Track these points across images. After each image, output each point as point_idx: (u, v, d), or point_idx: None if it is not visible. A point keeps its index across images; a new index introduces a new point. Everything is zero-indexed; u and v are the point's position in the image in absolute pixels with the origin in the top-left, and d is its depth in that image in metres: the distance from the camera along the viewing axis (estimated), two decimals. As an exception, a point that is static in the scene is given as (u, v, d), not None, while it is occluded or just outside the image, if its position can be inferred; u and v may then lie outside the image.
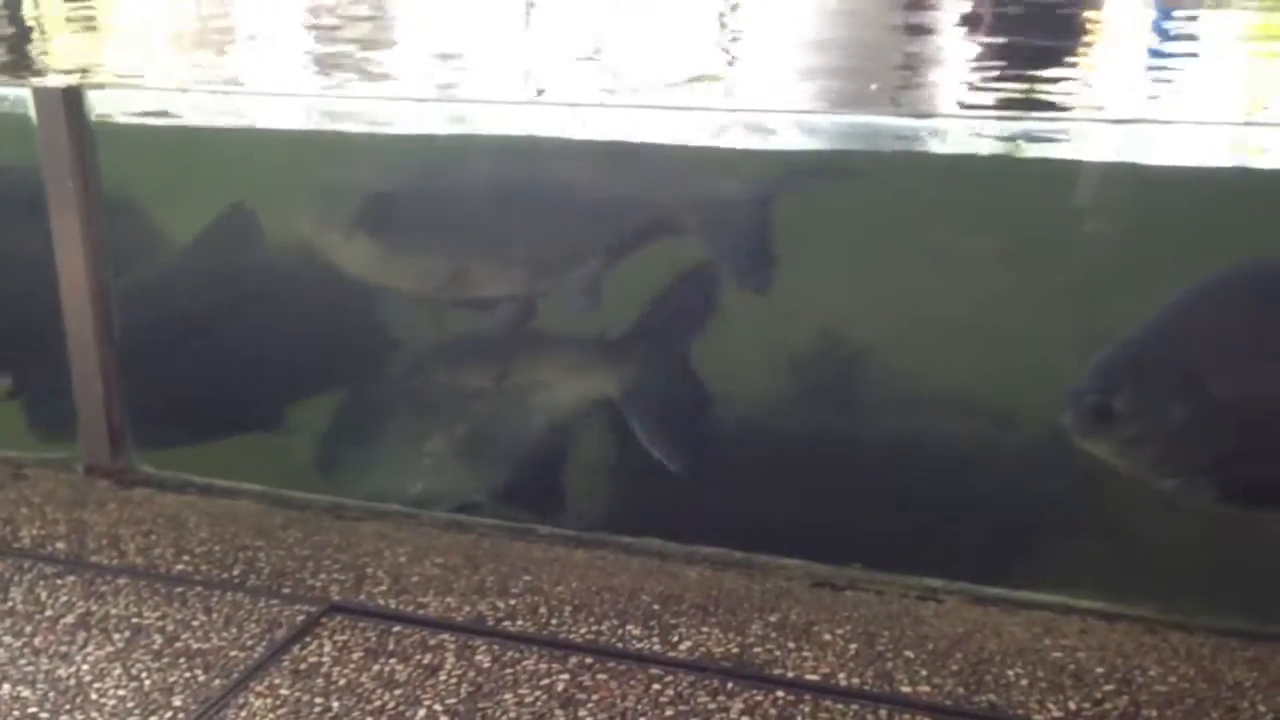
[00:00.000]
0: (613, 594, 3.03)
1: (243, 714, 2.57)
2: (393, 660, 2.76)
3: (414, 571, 3.16)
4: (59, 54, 4.41)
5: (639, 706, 2.58)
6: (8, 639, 2.85)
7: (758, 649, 2.79)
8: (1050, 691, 2.63)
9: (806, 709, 2.57)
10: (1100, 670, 2.70)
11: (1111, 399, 3.05)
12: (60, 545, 3.31)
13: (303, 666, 2.74)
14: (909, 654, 2.77)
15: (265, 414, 4.30)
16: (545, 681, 2.67)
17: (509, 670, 2.72)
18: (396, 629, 2.89)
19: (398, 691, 2.64)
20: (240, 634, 2.87)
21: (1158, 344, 3.14)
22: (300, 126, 4.40)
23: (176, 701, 2.61)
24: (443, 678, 2.69)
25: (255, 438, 4.38)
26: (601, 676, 2.69)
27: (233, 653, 2.79)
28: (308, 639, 2.85)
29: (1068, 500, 3.79)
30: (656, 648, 2.80)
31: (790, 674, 2.69)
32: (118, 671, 2.73)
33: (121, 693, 2.65)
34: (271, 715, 2.56)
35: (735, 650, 2.78)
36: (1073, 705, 2.58)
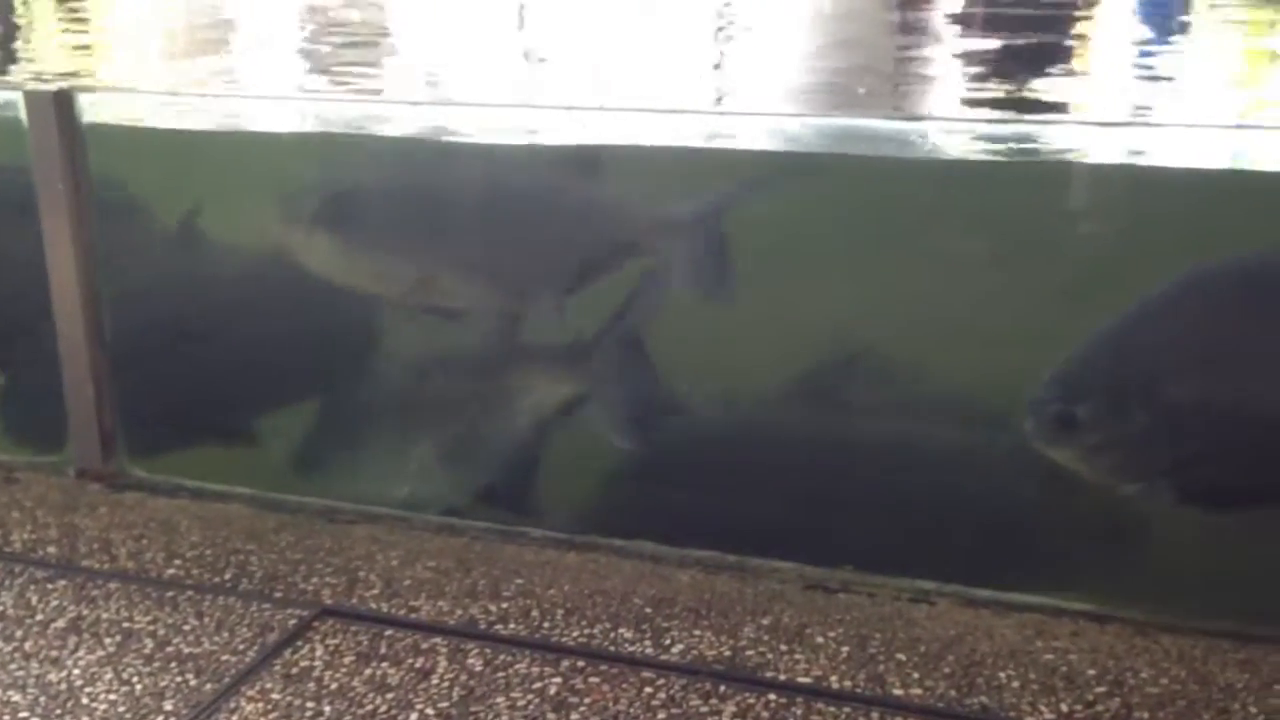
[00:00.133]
0: (605, 597, 3.03)
1: (234, 718, 2.56)
2: (385, 664, 2.76)
3: (406, 575, 3.16)
4: (50, 57, 4.40)
5: (631, 710, 2.57)
6: (-2, 644, 2.85)
7: (750, 652, 2.79)
8: (1042, 693, 2.63)
9: (799, 712, 2.57)
10: (1092, 672, 2.71)
11: (1074, 407, 3.06)
12: (51, 549, 3.31)
13: (294, 670, 2.73)
14: (901, 656, 2.77)
15: (249, 421, 4.30)
16: (537, 685, 2.67)
17: (501, 674, 2.71)
18: (388, 632, 2.89)
19: (390, 695, 2.63)
20: (232, 638, 2.87)
21: (1117, 350, 3.16)
22: (269, 129, 4.41)
23: (168, 706, 2.61)
24: (435, 681, 2.69)
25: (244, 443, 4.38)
26: (594, 680, 2.68)
27: (224, 657, 2.79)
28: (299, 643, 2.84)
29: (1063, 501, 3.80)
30: (649, 651, 2.80)
31: (782, 677, 2.70)
32: (109, 676, 2.72)
33: (113, 697, 2.65)
34: None
35: (728, 653, 2.78)
36: (1064, 707, 2.58)
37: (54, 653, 2.81)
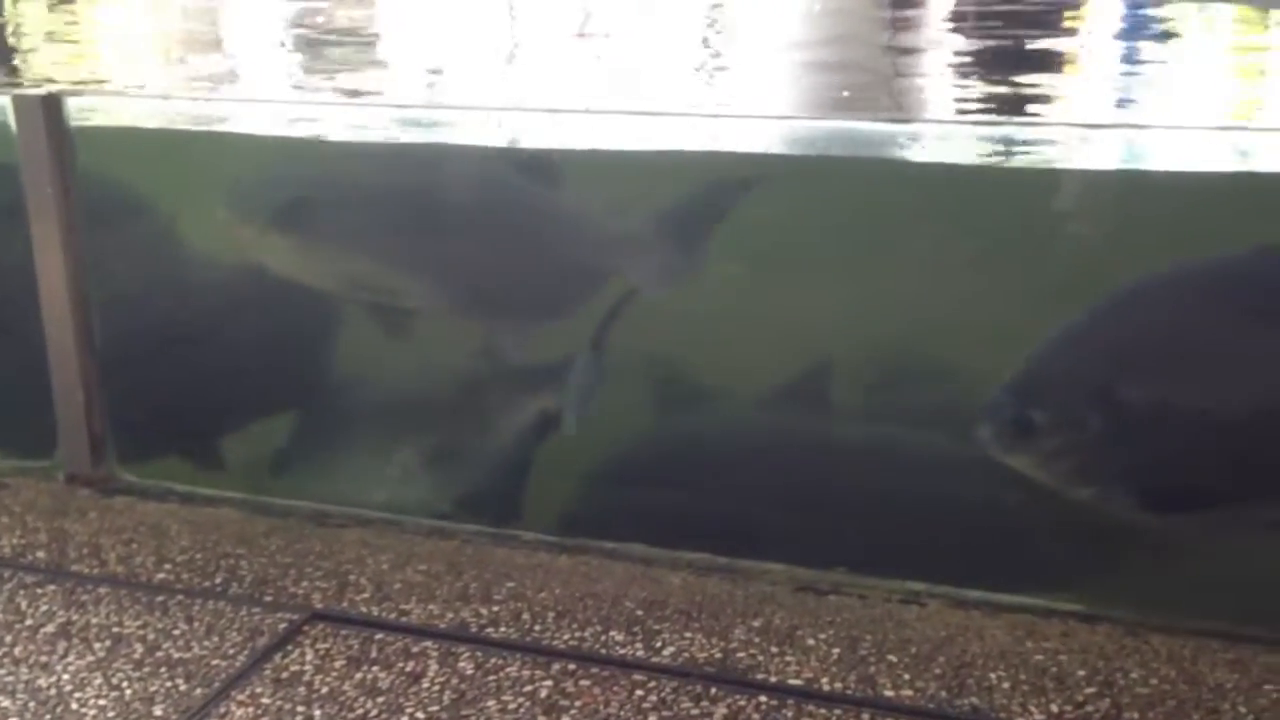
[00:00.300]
0: (596, 600, 3.03)
1: (224, 723, 2.56)
2: (375, 668, 2.75)
3: (396, 578, 3.15)
4: (38, 61, 4.40)
5: (622, 712, 2.57)
6: (-13, 649, 2.84)
7: (741, 654, 2.79)
8: (1032, 694, 2.63)
9: (790, 714, 2.57)
10: (1082, 673, 2.71)
11: (1030, 413, 3.07)
12: (41, 554, 3.30)
13: (284, 675, 2.73)
14: (892, 658, 2.77)
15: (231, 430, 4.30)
16: (528, 688, 2.67)
17: (492, 677, 2.71)
18: (379, 636, 2.88)
19: (380, 699, 2.63)
20: (222, 642, 2.86)
21: (1071, 355, 3.17)
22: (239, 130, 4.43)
23: (158, 711, 2.60)
24: (425, 685, 2.68)
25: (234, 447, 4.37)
26: (584, 683, 2.68)
27: (214, 661, 2.78)
28: (290, 647, 2.84)
29: (1053, 501, 3.80)
30: (640, 653, 2.80)
31: (773, 679, 2.70)
32: (98, 681, 2.72)
33: (102, 702, 2.64)
34: (253, 724, 2.56)
35: (718, 655, 2.78)
36: (1055, 708, 2.59)
37: (43, 658, 2.81)
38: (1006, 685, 2.67)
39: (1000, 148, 3.71)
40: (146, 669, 2.76)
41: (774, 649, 2.81)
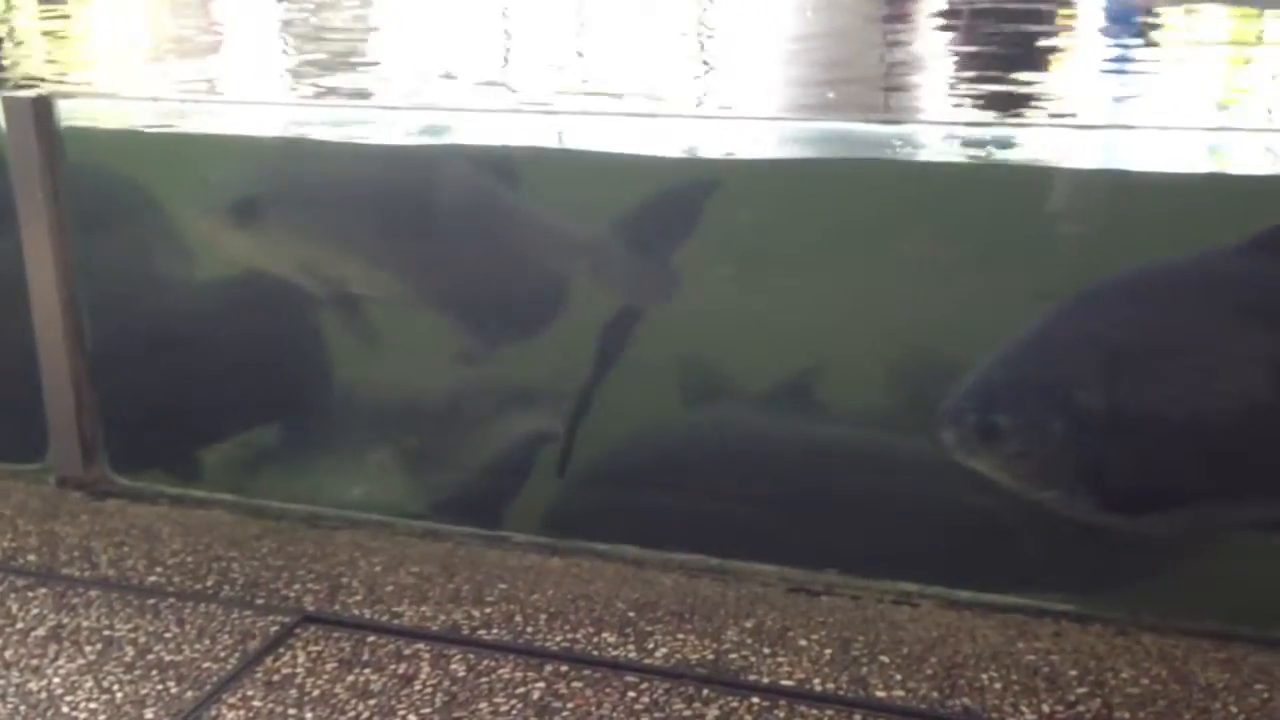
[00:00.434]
0: (588, 601, 3.03)
1: (216, 726, 2.56)
2: (367, 670, 2.75)
3: (389, 580, 3.15)
4: (28, 63, 4.40)
5: (614, 714, 2.57)
6: (-22, 653, 2.84)
7: (733, 655, 2.79)
8: (1024, 694, 2.64)
9: (781, 715, 2.57)
10: (1073, 673, 2.71)
11: (994, 416, 3.09)
12: (31, 557, 3.29)
13: (276, 677, 2.72)
14: (884, 658, 2.77)
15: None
16: (520, 690, 2.66)
17: (484, 679, 2.71)
18: (371, 639, 2.88)
19: (372, 702, 2.63)
20: (213, 645, 2.86)
21: (1033, 358, 3.19)
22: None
23: (149, 714, 2.60)
24: (417, 687, 2.68)
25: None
26: (577, 684, 2.68)
27: (205, 664, 2.78)
28: (281, 650, 2.84)
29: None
30: (632, 655, 2.80)
31: (765, 680, 2.70)
32: (89, 684, 2.71)
33: (93, 705, 2.63)
34: (245, 727, 2.55)
35: (711, 657, 2.78)
36: (1046, 708, 2.59)
37: (34, 661, 2.80)
38: (998, 685, 2.67)
39: (981, 152, 3.72)
40: (138, 672, 2.75)
41: (766, 650, 2.81)
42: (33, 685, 2.70)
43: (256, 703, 2.63)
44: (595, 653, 2.81)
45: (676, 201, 3.98)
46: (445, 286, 4.12)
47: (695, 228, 3.99)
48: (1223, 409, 2.99)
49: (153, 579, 3.17)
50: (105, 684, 2.71)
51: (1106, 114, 3.53)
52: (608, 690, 2.66)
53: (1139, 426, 3.04)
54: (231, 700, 2.64)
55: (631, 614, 2.97)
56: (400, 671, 2.74)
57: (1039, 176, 3.87)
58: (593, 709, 2.59)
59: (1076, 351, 3.13)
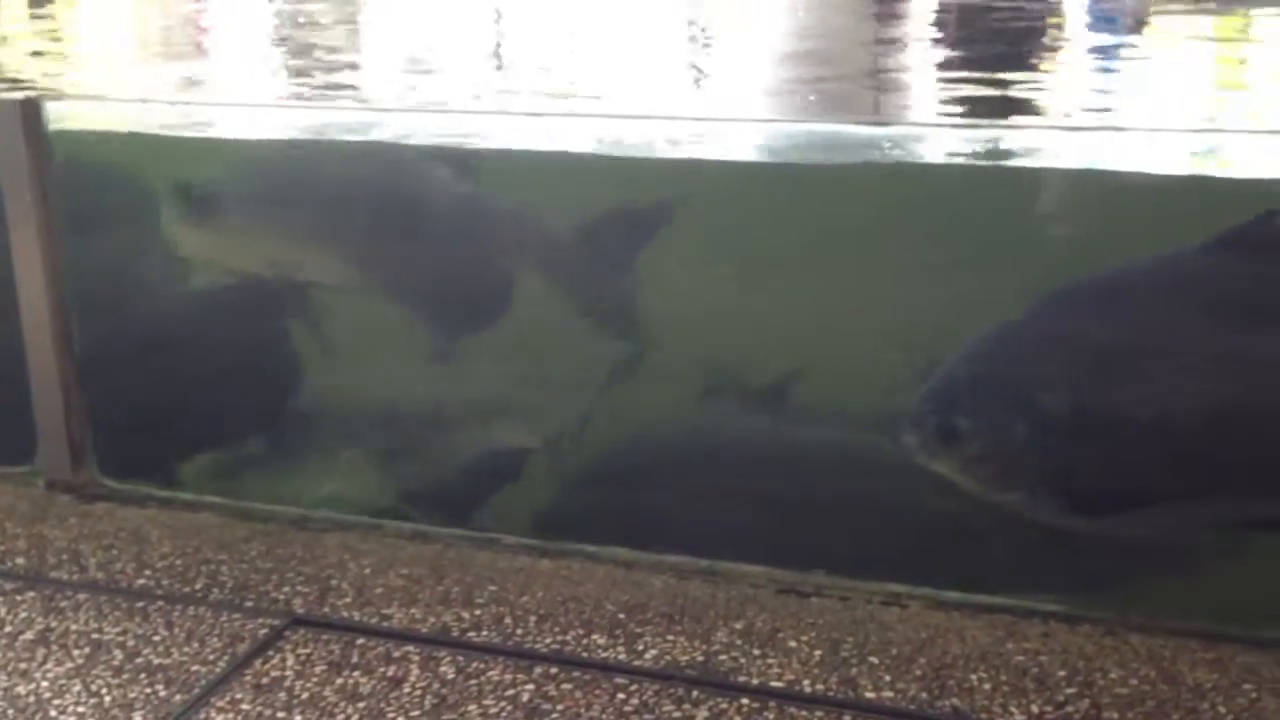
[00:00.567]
0: (578, 603, 3.03)
1: (204, 729, 2.55)
2: (356, 673, 2.75)
3: (378, 583, 3.14)
4: (16, 66, 4.38)
5: (604, 716, 2.57)
6: (-34, 656, 2.83)
7: (723, 656, 2.79)
8: (1013, 695, 2.64)
9: (771, 716, 2.57)
10: (1062, 673, 2.72)
11: (954, 419, 3.11)
12: (20, 561, 3.28)
13: (265, 681, 2.72)
14: (873, 660, 2.78)
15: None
16: (510, 692, 2.66)
17: (473, 681, 2.71)
18: (360, 641, 2.87)
19: (361, 704, 2.62)
20: (202, 648, 2.85)
21: (996, 361, 3.21)
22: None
23: (137, 718, 2.59)
24: (407, 690, 2.68)
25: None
26: (566, 686, 2.68)
27: (194, 667, 2.77)
28: (270, 653, 2.83)
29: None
30: (622, 657, 2.80)
31: (755, 681, 2.70)
32: (77, 688, 2.70)
33: (82, 709, 2.63)
34: (233, 730, 2.55)
35: (700, 658, 2.79)
36: (1035, 709, 2.59)
37: (22, 665, 2.79)
38: (987, 686, 2.68)
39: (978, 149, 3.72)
40: (126, 675, 2.75)
41: (756, 651, 2.81)
42: (21, 689, 2.70)
43: (245, 706, 2.63)
44: (585, 654, 2.81)
45: (638, 214, 3.99)
46: (401, 279, 4.16)
47: (652, 241, 4.00)
48: (1186, 410, 3.02)
49: (141, 582, 3.17)
50: (94, 687, 2.70)
51: (1095, 115, 3.54)
52: (597, 692, 2.65)
53: (1101, 428, 3.07)
54: (220, 704, 2.64)
55: (621, 616, 2.97)
56: (389, 674, 2.74)
57: (1029, 178, 3.87)
58: (582, 711, 2.59)
59: (1038, 353, 3.16)
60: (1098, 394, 3.06)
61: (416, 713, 2.59)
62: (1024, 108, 3.36)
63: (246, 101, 4.29)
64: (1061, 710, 2.59)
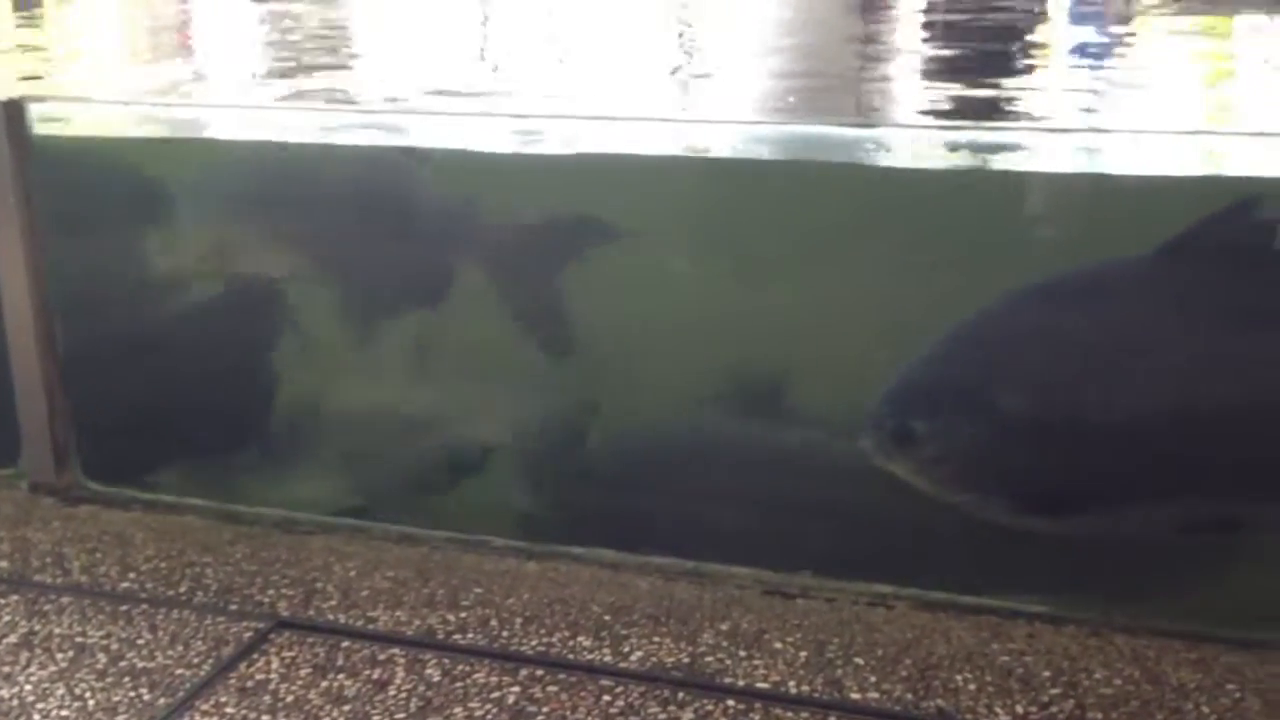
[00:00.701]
0: (564, 605, 3.03)
1: (188, 733, 2.54)
2: (341, 676, 2.74)
3: (364, 585, 3.14)
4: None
5: (589, 718, 2.57)
6: (-52, 660, 2.82)
7: (709, 658, 2.79)
8: (998, 695, 2.65)
9: (756, 717, 2.57)
10: (1047, 674, 2.72)
11: (910, 421, 3.14)
12: (3, 564, 3.27)
13: (249, 684, 2.71)
14: (859, 660, 2.78)
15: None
16: (496, 694, 2.66)
17: (459, 684, 2.70)
18: (345, 644, 2.87)
19: (346, 707, 2.62)
20: (186, 652, 2.84)
21: (949, 366, 3.25)
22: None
23: (121, 721, 2.59)
24: (392, 692, 2.67)
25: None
26: (552, 688, 2.68)
27: (178, 671, 2.76)
28: (255, 656, 2.82)
29: None
30: (607, 659, 2.80)
31: (741, 682, 2.70)
32: (61, 691, 2.69)
33: (65, 713, 2.62)
34: (218, 733, 2.54)
35: (686, 660, 2.79)
36: (1020, 709, 2.60)
37: (5, 668, 2.78)
38: (972, 687, 2.68)
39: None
40: (110, 679, 2.74)
41: (742, 652, 2.81)
42: (4, 692, 2.68)
43: (230, 709, 2.62)
44: (571, 656, 2.81)
45: (575, 227, 4.01)
46: (329, 265, 4.19)
47: (580, 257, 4.02)
48: (1139, 411, 3.05)
49: (125, 585, 3.16)
50: (77, 691, 2.69)
51: (1079, 117, 3.56)
52: (583, 694, 2.65)
53: (1053, 430, 3.11)
54: (205, 707, 2.63)
55: (607, 617, 2.97)
56: (375, 677, 2.73)
57: (1015, 181, 3.88)
58: (568, 713, 2.59)
59: (991, 357, 3.20)
60: (1051, 396, 3.11)
61: (402, 715, 2.59)
62: (1006, 110, 3.37)
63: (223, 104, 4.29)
64: (1046, 711, 2.59)
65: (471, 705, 2.62)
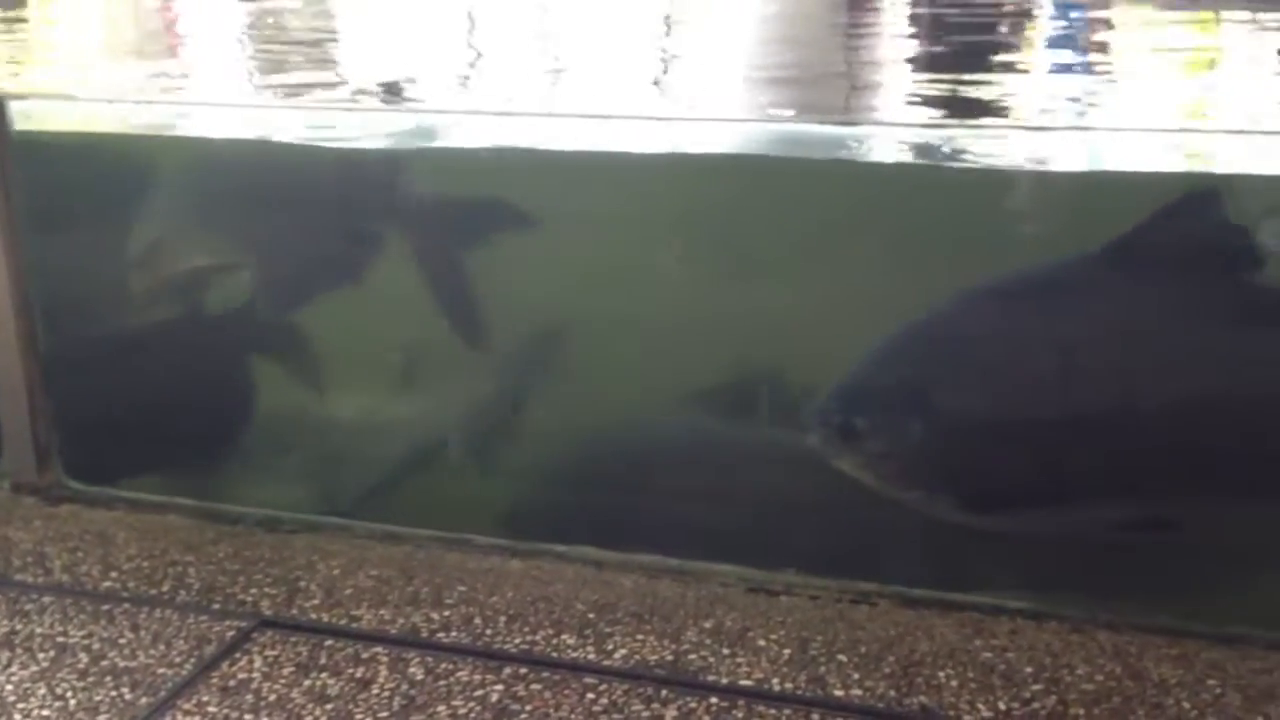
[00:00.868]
0: (548, 603, 3.03)
1: (170, 732, 2.54)
2: (324, 674, 2.73)
3: (347, 584, 3.13)
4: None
5: (573, 716, 2.57)
6: (-72, 661, 2.80)
7: (692, 655, 2.80)
8: (980, 692, 2.65)
9: (740, 715, 2.58)
10: (1029, 670, 2.73)
11: (854, 419, 3.17)
12: (-16, 564, 3.26)
13: (232, 683, 2.70)
14: (842, 658, 2.78)
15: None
16: (479, 693, 2.66)
17: (442, 682, 2.70)
18: (328, 643, 2.86)
19: (329, 706, 2.61)
20: (168, 651, 2.83)
21: (895, 364, 3.28)
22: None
23: (102, 721, 2.58)
24: (375, 691, 2.67)
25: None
26: (536, 687, 2.68)
27: (160, 670, 2.76)
28: (237, 655, 2.82)
29: None
30: (591, 656, 2.80)
31: (724, 680, 2.70)
32: (42, 691, 2.68)
33: (46, 713, 2.61)
34: (200, 733, 2.54)
35: (670, 657, 2.79)
36: (1002, 705, 2.61)
37: (-14, 669, 2.77)
38: (955, 683, 2.69)
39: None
40: (91, 678, 2.73)
41: (725, 650, 2.81)
42: (-16, 693, 2.68)
43: (212, 708, 2.61)
44: (554, 654, 2.81)
45: (485, 209, 4.01)
46: (251, 248, 4.19)
47: (484, 240, 4.03)
48: (1079, 411, 3.07)
49: (107, 584, 3.14)
50: (58, 690, 2.68)
51: (1062, 115, 3.56)
52: (566, 692, 2.65)
53: (996, 428, 3.13)
54: (187, 706, 2.62)
55: (591, 615, 2.97)
56: (358, 675, 2.73)
57: (998, 179, 3.89)
58: (551, 711, 2.59)
59: (937, 354, 3.23)
60: (994, 394, 3.13)
61: (385, 714, 2.58)
62: (987, 106, 3.38)
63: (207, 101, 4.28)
64: (1028, 707, 2.60)
65: (455, 704, 2.62)
